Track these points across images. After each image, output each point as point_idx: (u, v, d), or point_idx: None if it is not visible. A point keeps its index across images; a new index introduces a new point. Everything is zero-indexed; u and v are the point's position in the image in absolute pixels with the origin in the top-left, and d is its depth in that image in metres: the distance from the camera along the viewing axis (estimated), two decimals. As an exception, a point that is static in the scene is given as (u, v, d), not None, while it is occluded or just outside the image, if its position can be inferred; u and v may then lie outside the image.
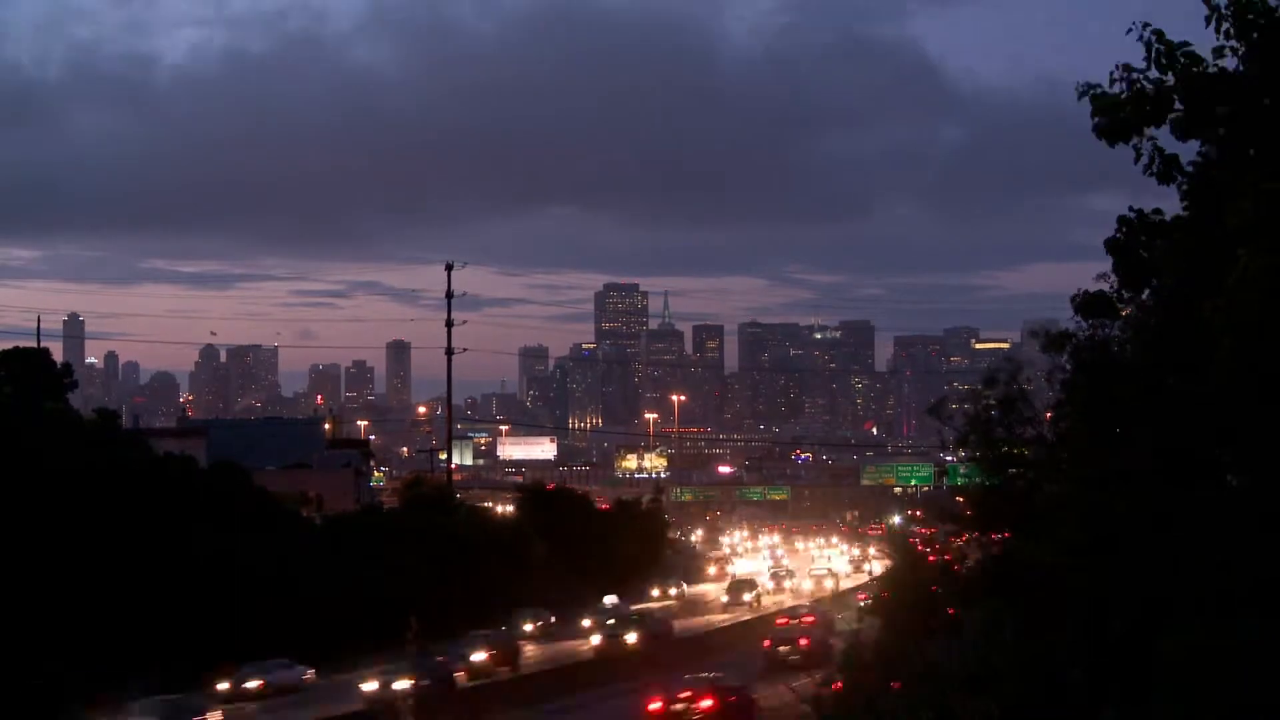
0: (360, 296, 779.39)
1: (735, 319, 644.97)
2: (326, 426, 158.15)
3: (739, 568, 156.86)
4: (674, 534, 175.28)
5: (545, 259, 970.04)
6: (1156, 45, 13.81)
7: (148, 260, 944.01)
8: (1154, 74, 13.87)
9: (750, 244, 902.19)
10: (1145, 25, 13.93)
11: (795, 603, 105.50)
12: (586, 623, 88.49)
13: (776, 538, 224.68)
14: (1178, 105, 13.92)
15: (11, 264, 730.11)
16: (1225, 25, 13.57)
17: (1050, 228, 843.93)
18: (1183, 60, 13.69)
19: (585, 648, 79.98)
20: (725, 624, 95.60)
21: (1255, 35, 13.44)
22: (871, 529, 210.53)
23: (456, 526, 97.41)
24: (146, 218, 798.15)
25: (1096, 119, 13.94)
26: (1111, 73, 14.09)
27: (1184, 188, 14.23)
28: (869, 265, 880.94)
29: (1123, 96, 13.85)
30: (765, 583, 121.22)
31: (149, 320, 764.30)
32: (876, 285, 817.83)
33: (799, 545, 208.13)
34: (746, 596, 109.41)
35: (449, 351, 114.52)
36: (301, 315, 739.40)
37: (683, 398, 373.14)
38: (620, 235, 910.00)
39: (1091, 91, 14.11)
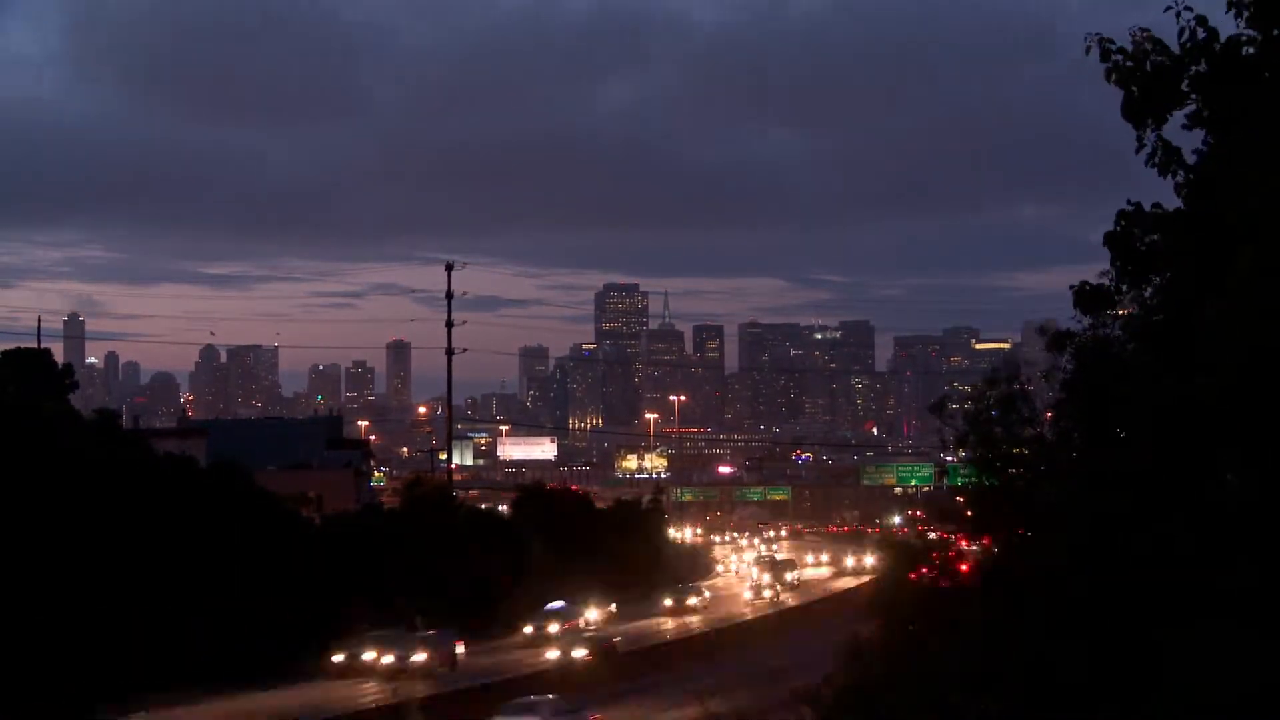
0: (376, 297, 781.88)
1: (752, 319, 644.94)
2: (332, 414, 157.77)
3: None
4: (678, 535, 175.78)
5: (562, 259, 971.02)
6: (1197, 30, 13.52)
7: (176, 262, 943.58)
8: (1175, 52, 13.65)
9: (771, 245, 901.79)
10: (1187, 8, 13.72)
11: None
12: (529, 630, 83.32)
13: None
14: (1192, 97, 13.80)
15: (36, 263, 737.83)
16: (1246, 13, 13.44)
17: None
18: (1223, 52, 13.42)
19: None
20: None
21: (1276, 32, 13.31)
22: (870, 529, 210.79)
23: (457, 527, 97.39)
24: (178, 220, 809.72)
25: (1122, 94, 13.77)
26: (1133, 34, 13.88)
27: (1184, 181, 14.15)
28: (887, 266, 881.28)
29: (1147, 66, 13.62)
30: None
31: (166, 321, 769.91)
32: (893, 286, 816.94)
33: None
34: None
35: (449, 352, 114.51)
36: (319, 316, 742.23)
37: (683, 398, 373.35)
38: (633, 235, 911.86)
39: (1105, 45, 13.88)
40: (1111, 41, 13.93)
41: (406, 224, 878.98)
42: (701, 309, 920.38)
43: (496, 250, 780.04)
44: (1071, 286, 16.19)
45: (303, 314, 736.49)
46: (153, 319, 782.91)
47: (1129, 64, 13.73)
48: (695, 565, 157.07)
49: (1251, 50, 13.60)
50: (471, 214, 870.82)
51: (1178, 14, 13.51)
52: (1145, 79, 13.66)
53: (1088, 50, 13.91)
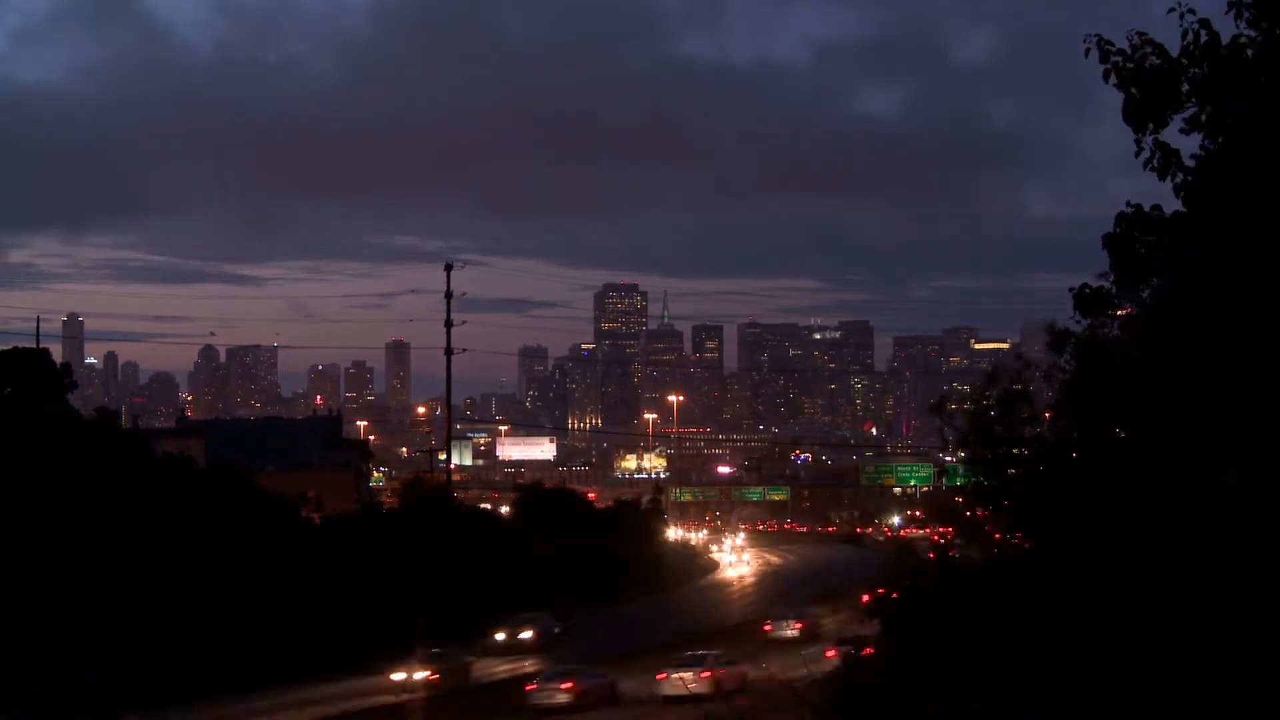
0: (405, 297, 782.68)
1: (751, 319, 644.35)
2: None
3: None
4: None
5: (587, 259, 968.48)
6: (1200, 33, 13.53)
7: (213, 263, 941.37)
8: (1170, 56, 13.67)
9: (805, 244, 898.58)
10: (1190, 11, 13.66)
11: None
12: None
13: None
14: (1192, 101, 13.79)
15: (79, 264, 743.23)
16: (1246, 14, 13.44)
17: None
18: (1224, 57, 13.43)
19: None
20: None
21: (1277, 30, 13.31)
22: (880, 529, 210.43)
23: (456, 527, 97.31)
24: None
25: (1123, 97, 13.76)
26: (1130, 38, 13.89)
27: (1182, 183, 14.15)
28: (914, 268, 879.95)
29: (1147, 65, 13.62)
30: None
31: (183, 323, 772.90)
32: (924, 288, 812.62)
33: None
34: None
35: (448, 352, 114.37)
36: (354, 316, 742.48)
37: (682, 398, 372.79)
38: (647, 235, 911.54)
39: (1105, 46, 13.88)
40: (1111, 43, 13.92)
41: (431, 229, 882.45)
42: (725, 310, 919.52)
43: (525, 250, 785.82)
44: (1072, 289, 16.21)
45: (337, 314, 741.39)
46: (184, 321, 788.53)
47: (1129, 66, 13.75)
48: (694, 566, 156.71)
49: (1251, 52, 13.60)
50: (490, 217, 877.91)
51: (1180, 15, 13.52)
52: (1146, 81, 13.66)
53: (1086, 53, 13.93)
